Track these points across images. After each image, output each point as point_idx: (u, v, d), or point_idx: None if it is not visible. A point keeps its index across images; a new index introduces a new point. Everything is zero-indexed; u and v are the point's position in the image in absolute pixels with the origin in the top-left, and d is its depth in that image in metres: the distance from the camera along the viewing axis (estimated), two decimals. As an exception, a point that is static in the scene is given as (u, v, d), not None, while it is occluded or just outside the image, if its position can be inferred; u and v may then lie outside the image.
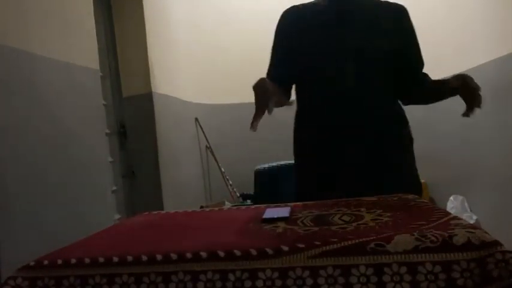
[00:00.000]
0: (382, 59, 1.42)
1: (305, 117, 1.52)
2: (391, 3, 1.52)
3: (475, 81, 1.26)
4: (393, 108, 1.50)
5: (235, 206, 3.54)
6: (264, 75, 1.39)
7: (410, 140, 1.52)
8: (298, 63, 1.46)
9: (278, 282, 0.71)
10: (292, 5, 1.55)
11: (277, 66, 1.52)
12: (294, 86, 1.57)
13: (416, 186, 1.50)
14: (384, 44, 1.40)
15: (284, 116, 4.07)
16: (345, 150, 1.40)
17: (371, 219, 0.91)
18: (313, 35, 1.44)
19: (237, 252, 0.75)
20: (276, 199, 1.44)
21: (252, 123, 1.12)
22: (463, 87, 1.26)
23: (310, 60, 1.44)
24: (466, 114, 1.26)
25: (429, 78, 1.52)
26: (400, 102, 1.54)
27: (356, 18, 1.44)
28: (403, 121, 1.52)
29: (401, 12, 1.49)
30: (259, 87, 1.18)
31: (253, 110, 1.14)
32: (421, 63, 1.52)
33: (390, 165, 1.42)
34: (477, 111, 1.25)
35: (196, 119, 4.23)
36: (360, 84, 1.40)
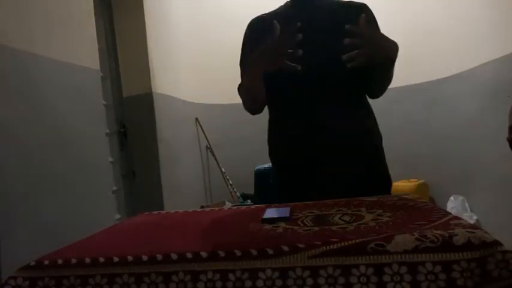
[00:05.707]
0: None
1: (278, 125, 1.54)
2: (352, 2, 1.52)
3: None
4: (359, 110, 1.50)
5: (236, 206, 3.53)
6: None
7: (376, 147, 1.51)
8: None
9: (278, 282, 0.71)
10: (257, 15, 1.57)
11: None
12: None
13: (385, 180, 1.51)
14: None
15: (284, 116, 4.06)
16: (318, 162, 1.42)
17: (371, 219, 0.91)
18: None
19: (238, 252, 0.75)
20: (276, 199, 1.44)
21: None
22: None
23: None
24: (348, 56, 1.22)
25: None
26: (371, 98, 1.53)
27: (318, 20, 1.45)
28: (371, 131, 1.51)
29: (361, 10, 1.45)
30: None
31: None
32: None
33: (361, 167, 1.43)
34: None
35: (197, 119, 4.23)
36: (329, 84, 1.41)
